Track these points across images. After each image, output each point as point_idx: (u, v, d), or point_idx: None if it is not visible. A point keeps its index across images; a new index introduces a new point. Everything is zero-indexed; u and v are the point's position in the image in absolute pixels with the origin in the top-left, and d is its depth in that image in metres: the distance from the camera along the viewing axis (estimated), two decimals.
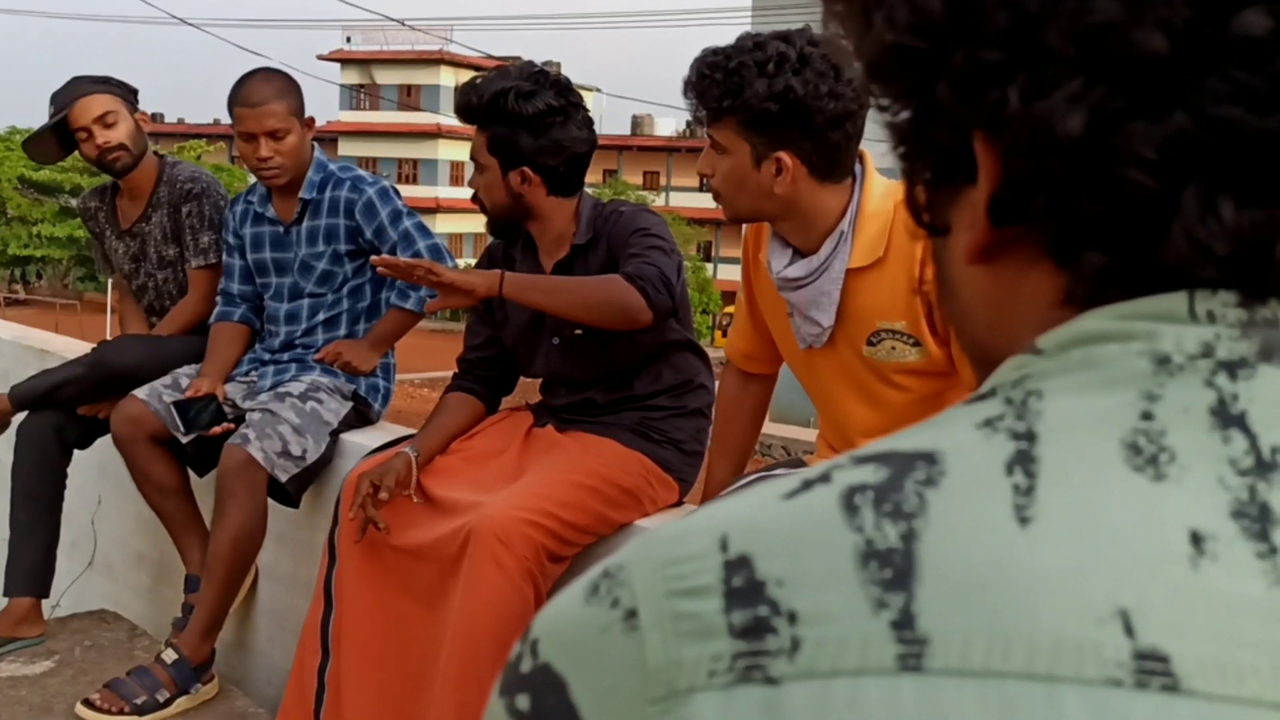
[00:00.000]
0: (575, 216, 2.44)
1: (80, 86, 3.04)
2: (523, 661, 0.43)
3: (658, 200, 40.33)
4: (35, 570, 2.97)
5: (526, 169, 2.38)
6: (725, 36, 1.96)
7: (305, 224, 2.91)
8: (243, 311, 3.04)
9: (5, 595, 2.97)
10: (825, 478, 0.41)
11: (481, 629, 2.10)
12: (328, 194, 2.89)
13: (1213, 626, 0.35)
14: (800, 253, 2.02)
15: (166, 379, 2.92)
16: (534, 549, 2.13)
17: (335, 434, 2.83)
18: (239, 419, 2.81)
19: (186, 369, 2.96)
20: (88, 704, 2.55)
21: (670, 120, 49.77)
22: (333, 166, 2.93)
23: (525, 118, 2.35)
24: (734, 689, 0.37)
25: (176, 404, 2.78)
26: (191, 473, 2.94)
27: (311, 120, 2.92)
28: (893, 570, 0.37)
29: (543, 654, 0.42)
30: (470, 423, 2.54)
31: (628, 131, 49.28)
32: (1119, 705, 0.34)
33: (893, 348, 1.98)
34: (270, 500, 2.70)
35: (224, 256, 3.08)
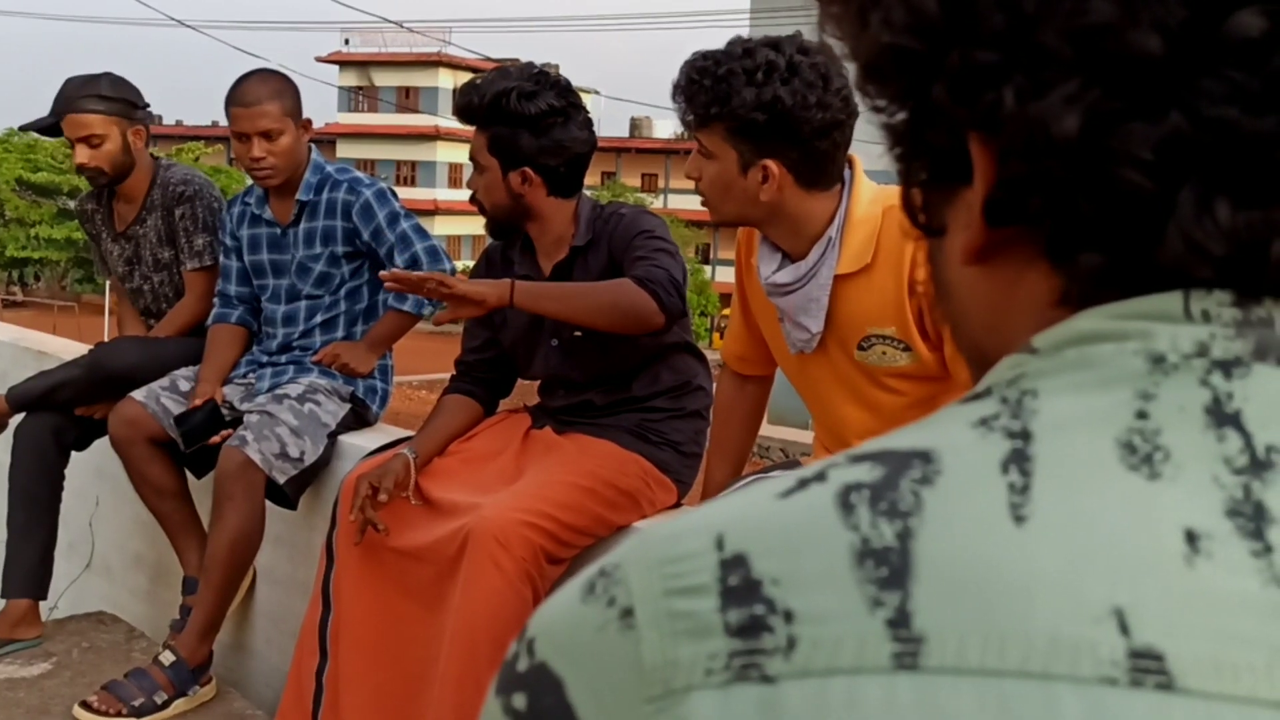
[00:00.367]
0: (574, 218, 2.44)
1: (80, 100, 3.02)
2: (519, 660, 0.43)
3: (656, 202, 40.33)
4: (33, 572, 2.96)
5: (527, 169, 2.38)
6: (723, 39, 1.95)
7: (302, 226, 2.90)
8: (240, 313, 3.04)
9: (3, 597, 2.97)
10: (821, 476, 0.41)
11: (480, 630, 2.09)
12: (325, 196, 2.88)
13: (1207, 625, 0.35)
14: (789, 258, 2.01)
15: (164, 381, 2.92)
16: (532, 551, 2.12)
17: (333, 436, 2.82)
18: (236, 421, 2.80)
19: (184, 371, 2.96)
20: (85, 706, 2.54)
21: (669, 123, 49.74)
22: (330, 168, 2.92)
23: (527, 118, 2.35)
24: (730, 688, 0.37)
25: (176, 418, 2.78)
26: (189, 474, 2.94)
27: (308, 122, 2.91)
28: (888, 569, 0.37)
29: (539, 653, 0.42)
30: (468, 424, 2.54)
31: (626, 134, 49.35)
32: (1114, 704, 0.34)
33: (884, 353, 1.97)
34: (268, 502, 2.69)
35: (221, 258, 3.07)
